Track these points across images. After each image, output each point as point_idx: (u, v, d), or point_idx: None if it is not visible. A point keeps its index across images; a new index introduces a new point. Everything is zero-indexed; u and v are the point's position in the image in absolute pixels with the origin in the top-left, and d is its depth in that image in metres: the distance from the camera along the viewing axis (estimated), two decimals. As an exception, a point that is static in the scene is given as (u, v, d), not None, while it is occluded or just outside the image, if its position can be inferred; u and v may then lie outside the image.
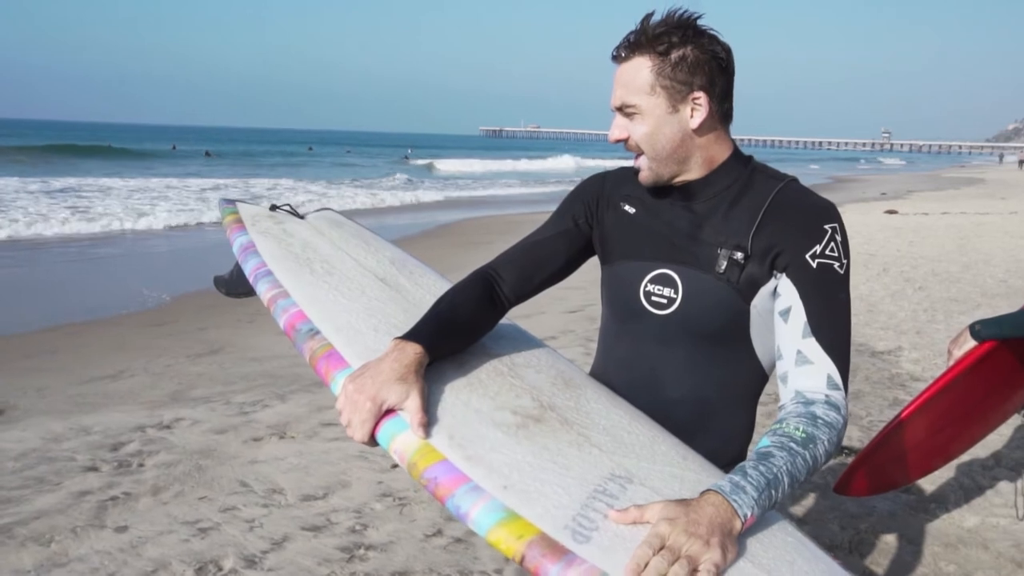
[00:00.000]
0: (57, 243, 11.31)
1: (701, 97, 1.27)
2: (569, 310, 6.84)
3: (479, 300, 1.37)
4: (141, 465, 3.64)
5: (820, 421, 1.17)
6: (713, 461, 1.26)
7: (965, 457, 3.41)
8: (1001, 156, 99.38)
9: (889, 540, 2.96)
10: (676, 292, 1.30)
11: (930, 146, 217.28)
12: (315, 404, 4.52)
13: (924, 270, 9.02)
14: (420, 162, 46.76)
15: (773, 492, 1.07)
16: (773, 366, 1.33)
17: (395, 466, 3.60)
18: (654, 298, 1.32)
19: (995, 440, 3.72)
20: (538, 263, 1.43)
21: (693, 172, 1.32)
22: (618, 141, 1.32)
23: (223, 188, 21.67)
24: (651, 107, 1.27)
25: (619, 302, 1.38)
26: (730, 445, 1.35)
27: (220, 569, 2.74)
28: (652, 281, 1.33)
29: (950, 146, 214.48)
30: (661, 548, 0.95)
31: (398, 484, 3.42)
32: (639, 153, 1.31)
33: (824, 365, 1.22)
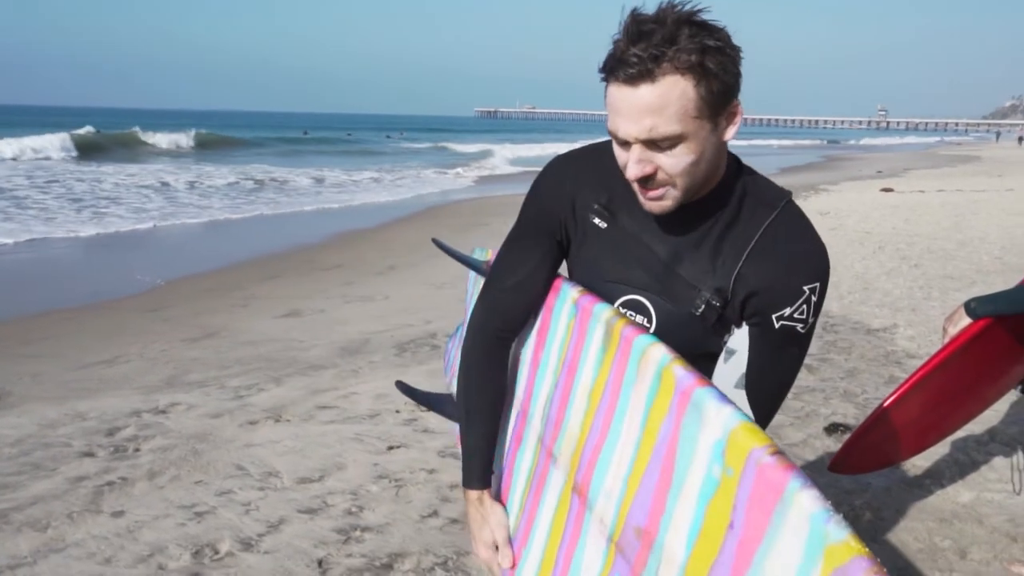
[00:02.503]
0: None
1: (737, 104, 1.11)
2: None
3: (497, 377, 1.39)
4: (137, 450, 3.64)
5: None
6: None
7: (960, 433, 3.41)
8: (998, 134, 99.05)
9: (884, 516, 2.98)
10: (649, 321, 1.22)
11: (926, 123, 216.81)
12: (311, 387, 4.52)
13: (920, 247, 9.01)
14: (419, 145, 46.23)
15: None
16: (742, 383, 1.29)
17: (391, 448, 3.60)
18: None
19: (990, 416, 3.73)
20: (535, 297, 1.35)
21: (701, 191, 1.17)
22: (644, 177, 1.11)
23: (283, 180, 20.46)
24: (695, 132, 1.07)
25: None
26: None
27: (216, 552, 2.74)
28: (624, 305, 1.24)
29: (947, 123, 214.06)
30: None
31: (394, 466, 3.42)
32: (664, 186, 1.12)
33: None
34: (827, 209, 12.70)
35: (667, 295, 1.20)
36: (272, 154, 32.56)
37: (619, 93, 1.07)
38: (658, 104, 1.04)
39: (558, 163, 1.32)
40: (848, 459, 2.18)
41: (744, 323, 1.20)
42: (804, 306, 1.15)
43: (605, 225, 1.24)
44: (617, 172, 1.18)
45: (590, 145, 1.32)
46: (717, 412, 0.89)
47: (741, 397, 1.19)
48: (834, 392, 4.26)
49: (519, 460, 1.35)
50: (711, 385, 0.94)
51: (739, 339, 1.20)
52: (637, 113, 1.05)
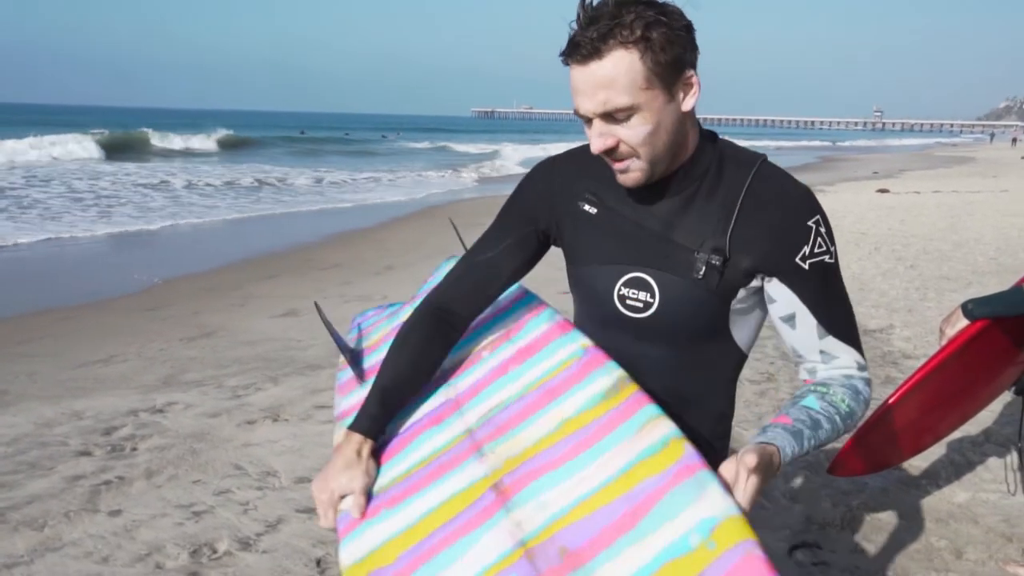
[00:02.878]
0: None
1: (692, 76, 1.15)
2: (562, 291, 6.82)
3: (424, 349, 1.35)
4: (134, 449, 3.63)
5: (861, 397, 1.24)
6: (694, 440, 1.29)
7: (955, 433, 3.42)
8: (992, 135, 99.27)
9: (881, 516, 2.99)
10: (652, 296, 1.24)
11: (922, 124, 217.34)
12: (308, 387, 4.52)
13: (916, 248, 9.04)
14: (418, 144, 45.87)
15: (807, 445, 1.14)
16: (752, 345, 1.34)
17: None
18: (629, 302, 1.26)
19: (985, 416, 3.75)
20: (487, 282, 1.37)
21: (675, 162, 1.21)
22: (605, 151, 1.16)
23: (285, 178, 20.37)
24: (649, 102, 1.12)
25: (591, 304, 1.33)
26: (709, 429, 1.33)
27: (215, 552, 2.74)
28: (626, 285, 1.26)
29: (942, 124, 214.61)
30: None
31: (392, 466, 3.42)
32: (628, 157, 1.17)
33: (849, 355, 1.26)
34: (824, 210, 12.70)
35: (666, 266, 1.23)
36: (292, 153, 32.58)
37: (575, 73, 1.13)
38: (608, 78, 1.10)
39: (545, 162, 1.38)
40: (846, 461, 2.19)
41: (771, 279, 1.22)
42: (819, 239, 1.21)
43: (595, 211, 1.28)
44: (599, 160, 1.24)
45: (577, 146, 1.37)
46: (720, 496, 0.96)
47: (832, 343, 1.25)
48: (831, 392, 4.28)
49: (425, 438, 1.30)
50: (718, 474, 1.00)
51: (790, 303, 1.23)
52: (591, 89, 1.12)
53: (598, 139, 1.15)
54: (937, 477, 3.30)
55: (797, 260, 1.19)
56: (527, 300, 1.53)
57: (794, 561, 2.68)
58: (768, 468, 1.04)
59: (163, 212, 13.38)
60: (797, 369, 1.31)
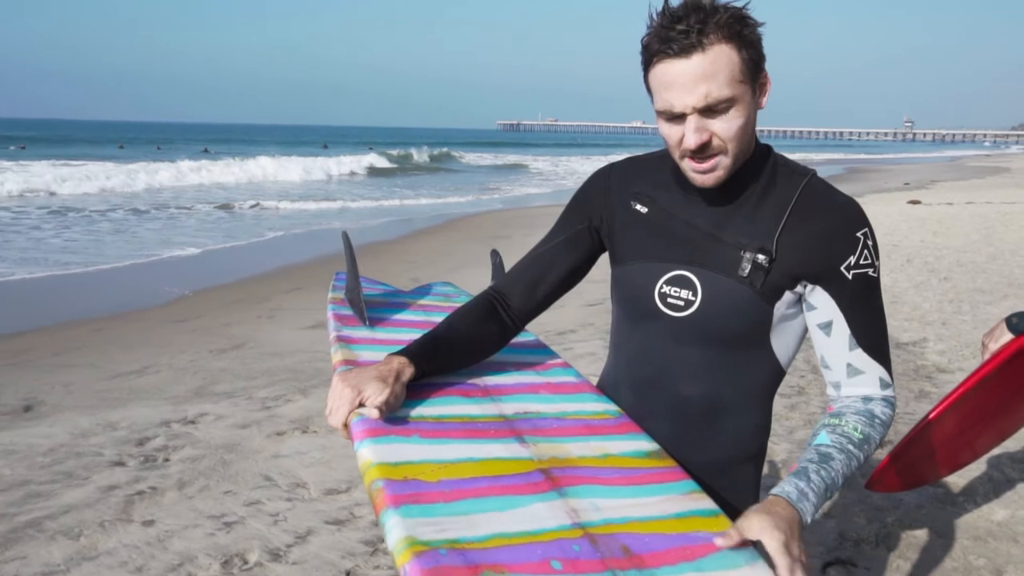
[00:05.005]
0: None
1: (767, 74, 1.19)
2: (588, 303, 6.82)
3: (478, 320, 1.39)
4: (167, 460, 3.68)
5: (877, 420, 1.23)
6: (730, 460, 1.33)
7: (994, 450, 3.35)
8: None
9: (917, 534, 2.93)
10: (695, 295, 1.25)
11: (953, 135, 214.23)
12: (337, 399, 4.54)
13: (949, 260, 8.89)
14: (484, 160, 44.32)
15: (828, 494, 1.15)
16: (790, 363, 1.34)
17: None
18: (670, 300, 1.27)
19: (1024, 432, 3.67)
20: (541, 275, 1.41)
21: (739, 162, 1.22)
22: (701, 145, 1.16)
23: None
24: (743, 96, 1.15)
25: (632, 303, 1.34)
26: (744, 444, 1.34)
27: (245, 563, 2.76)
28: (668, 283, 1.27)
29: (974, 135, 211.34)
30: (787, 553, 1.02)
31: (420, 478, 3.43)
32: (717, 154, 1.18)
33: (875, 371, 1.25)
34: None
35: (711, 264, 1.24)
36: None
37: (672, 68, 1.13)
38: (711, 71, 1.12)
39: (604, 166, 1.44)
40: (883, 477, 2.14)
41: (814, 286, 1.23)
42: (865, 251, 1.22)
43: (646, 210, 1.32)
44: (654, 165, 1.33)
45: (635, 155, 1.43)
46: (768, 570, 1.00)
47: (860, 356, 1.24)
48: (863, 407, 4.21)
49: (455, 402, 1.30)
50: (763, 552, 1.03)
51: (828, 310, 1.23)
52: (692, 82, 1.12)
53: (695, 134, 1.15)
54: (975, 494, 3.23)
55: (842, 268, 1.21)
56: (553, 353, 1.60)
57: (828, 579, 2.64)
58: (793, 530, 1.05)
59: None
60: (825, 381, 1.31)
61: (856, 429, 1.21)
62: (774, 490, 1.11)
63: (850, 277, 1.21)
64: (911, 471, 2.23)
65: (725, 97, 1.13)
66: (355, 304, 1.67)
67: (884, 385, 1.26)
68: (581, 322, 6.30)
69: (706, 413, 1.31)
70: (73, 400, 4.62)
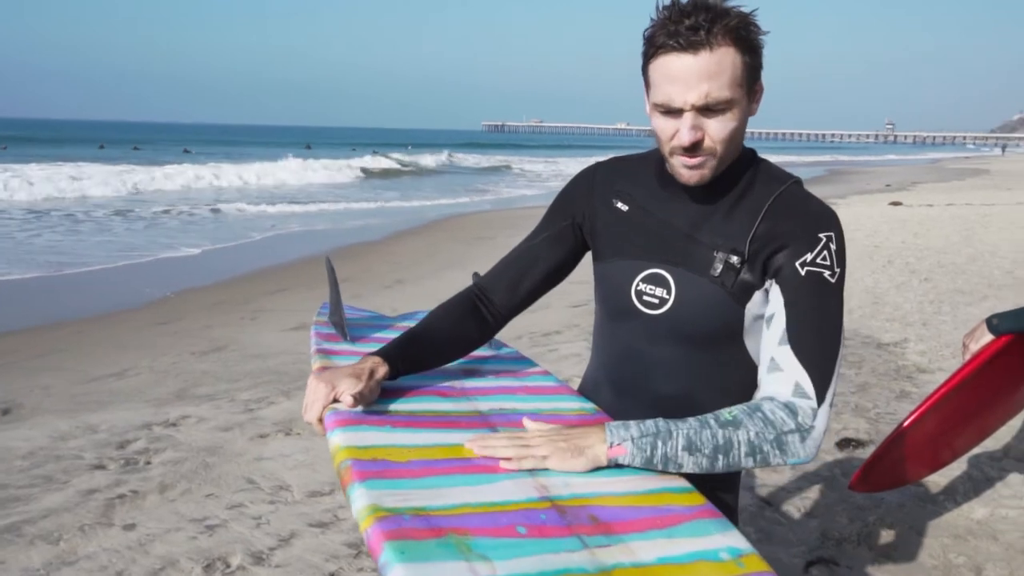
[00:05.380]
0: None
1: (761, 82, 1.22)
2: (573, 304, 6.83)
3: (458, 317, 1.42)
4: (148, 463, 3.64)
5: (758, 415, 1.17)
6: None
7: (974, 449, 3.40)
8: (1004, 147, 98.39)
9: (898, 532, 2.95)
10: (668, 292, 1.27)
11: (934, 137, 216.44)
12: (321, 400, 4.52)
13: (929, 261, 8.98)
14: (473, 161, 43.01)
15: (659, 443, 1.13)
16: None
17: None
18: (646, 297, 1.29)
19: (1004, 431, 3.70)
20: (524, 272, 1.43)
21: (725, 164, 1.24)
22: (694, 143, 1.17)
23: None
24: (739, 100, 1.16)
25: (611, 300, 1.36)
26: None
27: (228, 566, 2.74)
28: (644, 280, 1.29)
29: (954, 137, 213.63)
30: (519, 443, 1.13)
31: (405, 480, 3.41)
32: (707, 155, 1.19)
33: (793, 373, 1.18)
34: (843, 233, 12.65)
35: (687, 263, 1.26)
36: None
37: (676, 61, 1.14)
38: (715, 70, 1.12)
39: (590, 165, 1.46)
40: (868, 477, 2.17)
41: (772, 281, 1.23)
42: (825, 252, 1.20)
43: (627, 208, 1.34)
44: (637, 165, 1.36)
45: (620, 155, 1.46)
46: (743, 539, 1.00)
47: (785, 354, 1.19)
48: (845, 407, 4.24)
49: (430, 400, 1.32)
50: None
51: (776, 304, 1.22)
52: (695, 79, 1.13)
53: (690, 131, 1.16)
54: (955, 493, 3.27)
55: (796, 264, 1.21)
56: (534, 364, 1.62)
57: (810, 578, 2.65)
58: (568, 445, 1.12)
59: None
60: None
61: (729, 412, 1.17)
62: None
63: (803, 273, 1.20)
64: (893, 471, 2.25)
65: (724, 99, 1.14)
66: (338, 326, 1.69)
67: (798, 392, 1.17)
68: (566, 323, 6.31)
69: (683, 412, 1.31)
70: (52, 403, 4.56)
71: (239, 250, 11.35)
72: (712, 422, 1.16)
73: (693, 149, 1.18)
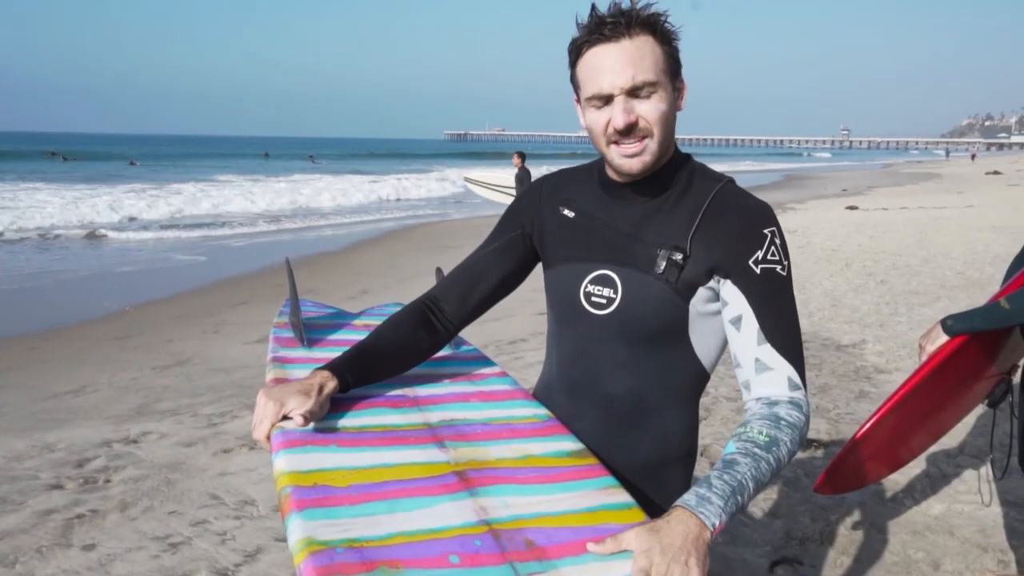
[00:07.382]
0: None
1: (683, 81, 1.29)
2: (539, 312, 6.85)
3: (408, 328, 1.44)
4: (108, 481, 3.57)
5: (783, 422, 1.20)
6: (659, 462, 1.36)
7: (931, 447, 3.48)
8: (947, 151, 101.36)
9: (859, 530, 3.01)
10: (615, 292, 1.31)
11: (887, 142, 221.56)
12: (285, 413, 4.46)
13: (885, 264, 9.20)
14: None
15: (739, 498, 1.10)
16: (713, 365, 1.37)
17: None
18: (594, 298, 1.33)
19: (958, 429, 3.80)
20: (474, 282, 1.46)
21: (660, 162, 1.30)
22: (628, 125, 1.23)
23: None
24: (665, 85, 1.24)
25: (560, 303, 1.39)
26: (672, 445, 1.37)
27: (192, 584, 2.69)
28: (592, 282, 1.33)
29: (907, 142, 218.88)
30: None
31: (372, 491, 3.39)
32: (644, 137, 1.25)
33: (783, 369, 1.25)
34: (795, 227, 12.92)
35: (631, 262, 1.30)
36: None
37: (602, 52, 1.23)
38: (637, 55, 1.22)
39: (536, 180, 1.53)
40: (832, 480, 2.20)
41: (721, 279, 1.27)
42: (772, 247, 1.26)
43: (573, 214, 1.39)
44: (582, 174, 1.43)
45: (568, 167, 1.51)
46: None
47: (769, 352, 1.25)
48: (806, 408, 4.32)
49: (381, 412, 1.33)
50: None
51: (739, 305, 1.26)
52: (621, 65, 1.22)
53: (622, 114, 1.23)
54: (913, 490, 3.34)
55: (750, 263, 1.25)
56: (492, 364, 1.64)
57: (775, 577, 2.69)
58: (684, 547, 1.01)
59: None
60: (739, 385, 1.32)
61: (761, 433, 1.18)
62: (676, 501, 1.09)
63: (758, 271, 1.25)
64: (856, 473, 2.29)
65: (650, 80, 1.22)
66: (295, 327, 1.68)
67: (793, 386, 1.25)
68: (532, 331, 6.33)
69: (632, 411, 1.35)
70: (6, 422, 4.44)
71: (193, 266, 11.18)
72: (759, 452, 1.15)
73: (628, 132, 1.24)
